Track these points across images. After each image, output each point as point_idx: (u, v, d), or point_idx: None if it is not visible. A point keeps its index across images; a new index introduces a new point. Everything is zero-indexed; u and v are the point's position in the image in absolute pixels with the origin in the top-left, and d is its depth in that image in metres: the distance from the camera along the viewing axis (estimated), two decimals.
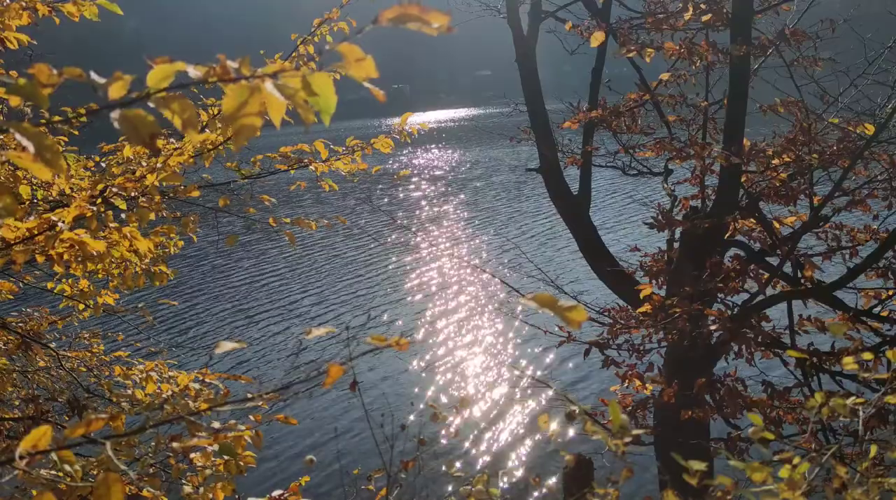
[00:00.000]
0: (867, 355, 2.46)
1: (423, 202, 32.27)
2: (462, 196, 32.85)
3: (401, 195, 34.90)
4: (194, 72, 1.14)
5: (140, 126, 0.93)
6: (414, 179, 39.23)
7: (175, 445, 3.28)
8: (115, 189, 3.43)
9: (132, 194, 3.33)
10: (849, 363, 2.27)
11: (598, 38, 4.85)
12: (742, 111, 5.62)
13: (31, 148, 0.99)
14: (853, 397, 1.81)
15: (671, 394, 5.18)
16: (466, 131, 64.77)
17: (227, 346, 1.47)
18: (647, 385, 5.76)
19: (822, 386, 5.33)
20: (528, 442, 10.82)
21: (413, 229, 25.45)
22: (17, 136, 1.00)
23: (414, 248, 22.71)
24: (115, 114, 0.95)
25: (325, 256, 22.67)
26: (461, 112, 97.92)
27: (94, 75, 1.28)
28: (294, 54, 5.80)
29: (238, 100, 0.96)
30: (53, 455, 1.50)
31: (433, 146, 58.41)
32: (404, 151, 54.83)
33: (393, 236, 23.98)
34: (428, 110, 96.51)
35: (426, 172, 43.42)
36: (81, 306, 5.08)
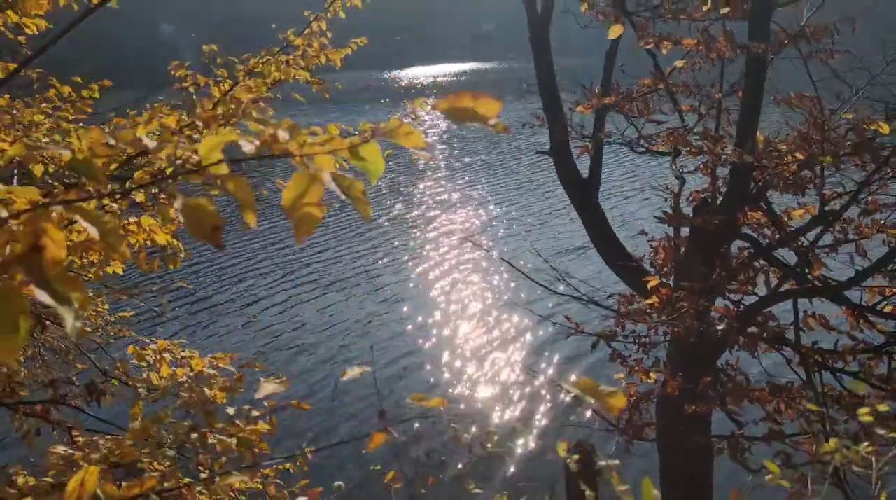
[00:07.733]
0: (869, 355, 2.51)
1: (427, 188, 31.43)
2: (468, 178, 31.79)
3: (409, 178, 33.88)
4: (248, 146, 1.16)
5: (203, 218, 0.96)
6: (421, 162, 38.25)
7: (194, 436, 3.35)
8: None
9: (153, 191, 3.37)
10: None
11: (615, 31, 4.81)
12: (757, 108, 5.59)
13: (95, 233, 1.01)
14: (865, 444, 1.87)
15: (675, 387, 5.26)
16: (471, 87, 63.55)
17: (269, 388, 1.51)
18: (651, 375, 5.84)
19: (824, 383, 5.41)
20: (543, 455, 10.51)
21: (425, 216, 25.02)
22: (80, 220, 1.03)
23: (430, 238, 22.19)
24: (177, 203, 0.98)
25: (340, 239, 22.08)
26: (464, 66, 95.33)
27: (145, 139, 1.30)
28: (307, 30, 5.78)
29: (297, 190, 0.99)
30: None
31: (440, 121, 57.49)
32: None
33: (409, 225, 23.56)
34: (430, 64, 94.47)
35: (432, 151, 42.68)
36: (90, 275, 5.11)
